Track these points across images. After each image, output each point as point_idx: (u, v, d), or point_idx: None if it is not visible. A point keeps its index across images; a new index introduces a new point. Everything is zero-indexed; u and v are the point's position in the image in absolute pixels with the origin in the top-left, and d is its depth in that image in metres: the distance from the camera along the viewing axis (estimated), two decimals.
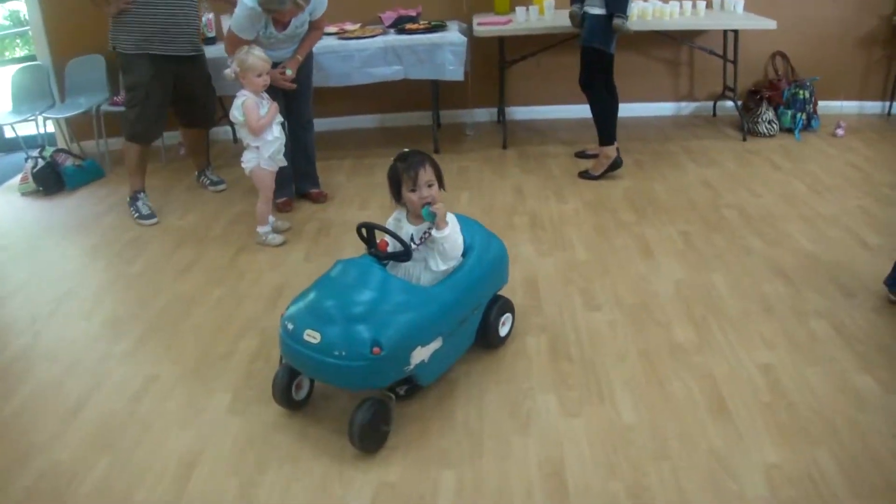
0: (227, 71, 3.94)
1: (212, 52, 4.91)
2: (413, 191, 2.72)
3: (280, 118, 4.05)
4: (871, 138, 5.66)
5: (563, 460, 2.48)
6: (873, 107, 6.26)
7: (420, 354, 2.56)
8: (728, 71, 5.87)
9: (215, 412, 2.78)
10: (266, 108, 3.96)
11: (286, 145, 4.21)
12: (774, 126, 5.67)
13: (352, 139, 5.85)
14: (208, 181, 4.98)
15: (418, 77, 5.19)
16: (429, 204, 2.70)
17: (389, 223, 2.90)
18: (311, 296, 2.61)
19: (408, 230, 2.80)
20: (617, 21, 4.42)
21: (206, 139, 5.05)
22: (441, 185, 2.78)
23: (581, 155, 5.38)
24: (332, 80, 4.95)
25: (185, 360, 3.10)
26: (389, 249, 2.75)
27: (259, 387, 2.89)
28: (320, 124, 5.54)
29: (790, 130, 5.75)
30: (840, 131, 5.68)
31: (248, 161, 4.04)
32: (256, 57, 3.90)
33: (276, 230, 4.20)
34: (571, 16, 4.74)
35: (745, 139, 5.64)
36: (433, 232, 2.71)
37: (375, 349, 2.41)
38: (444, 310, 2.68)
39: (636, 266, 3.74)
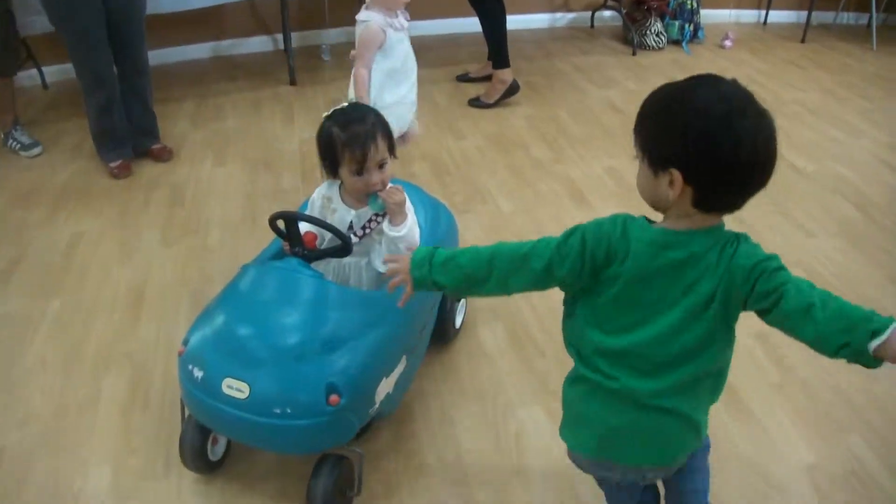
0: None
1: None
2: (359, 174, 1.91)
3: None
4: (757, 49, 5.37)
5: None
6: (749, 15, 5.97)
7: (385, 387, 1.86)
8: None
9: (94, 499, 1.93)
10: (403, 38, 2.91)
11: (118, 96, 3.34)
12: (663, 38, 5.24)
13: (187, 74, 4.81)
14: (18, 145, 3.76)
15: None
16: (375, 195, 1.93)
17: (315, 203, 2.08)
18: (220, 321, 1.79)
19: (343, 216, 2.00)
20: None
21: (11, 90, 3.84)
22: (392, 152, 1.98)
23: (464, 78, 4.68)
24: (164, 5, 3.94)
25: (35, 418, 2.17)
26: (319, 244, 1.98)
27: (145, 450, 2.05)
28: None
29: (677, 42, 5.33)
30: (728, 42, 5.33)
31: None
32: None
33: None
34: None
35: (634, 53, 5.15)
36: (386, 228, 1.93)
37: (332, 398, 1.68)
38: (408, 319, 1.98)
39: (572, 217, 3.12)
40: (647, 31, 5.18)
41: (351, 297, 1.87)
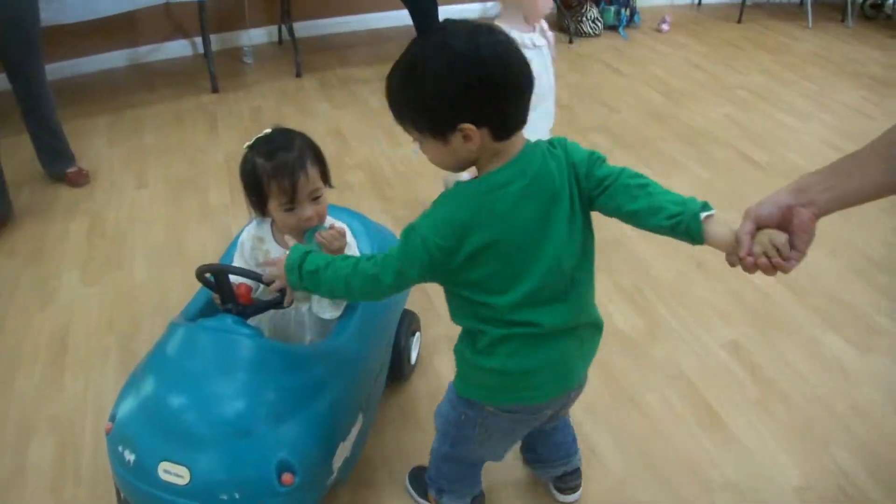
0: None
1: None
2: (290, 210, 1.68)
3: None
4: (695, 31, 5.28)
5: None
6: None
7: (343, 451, 1.67)
8: None
9: None
10: (536, 55, 2.47)
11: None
12: (599, 24, 5.10)
13: (100, 85, 4.49)
14: None
15: None
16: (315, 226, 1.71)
17: (245, 245, 1.84)
18: (149, 393, 1.56)
19: (278, 255, 1.77)
20: None
21: None
22: (327, 181, 1.75)
23: None
24: (70, 14, 3.63)
25: None
26: (254, 290, 1.76)
27: None
28: (52, 70, 4.26)
29: (614, 28, 5.20)
30: (665, 26, 5.22)
31: None
32: None
33: None
34: None
35: (571, 41, 5.00)
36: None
37: (286, 476, 1.49)
38: (362, 368, 1.80)
39: None
40: (583, 18, 5.04)
41: (296, 356, 1.66)
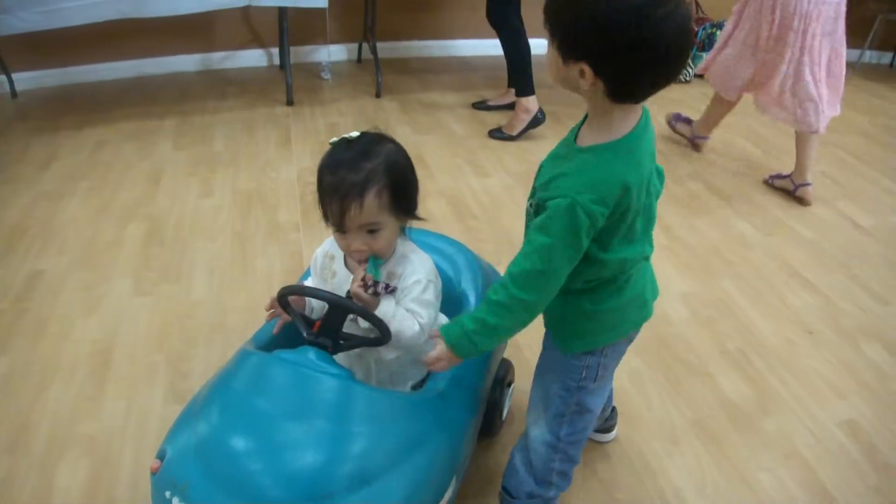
0: None
1: None
2: (341, 233, 1.45)
3: None
4: None
5: None
6: None
7: None
8: None
9: None
10: None
11: None
12: (690, 71, 4.85)
13: (169, 87, 4.32)
14: None
15: (267, 4, 3.82)
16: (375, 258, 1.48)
17: (317, 261, 1.62)
18: (209, 431, 1.31)
19: (342, 283, 1.53)
20: None
21: None
22: (406, 213, 1.51)
23: (481, 106, 4.25)
24: (150, 8, 3.47)
25: None
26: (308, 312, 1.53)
27: None
28: (117, 69, 4.15)
29: (701, 77, 4.90)
30: None
31: None
32: None
33: None
34: None
35: None
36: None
37: None
38: (463, 425, 1.55)
39: None
40: None
41: (393, 406, 1.39)
